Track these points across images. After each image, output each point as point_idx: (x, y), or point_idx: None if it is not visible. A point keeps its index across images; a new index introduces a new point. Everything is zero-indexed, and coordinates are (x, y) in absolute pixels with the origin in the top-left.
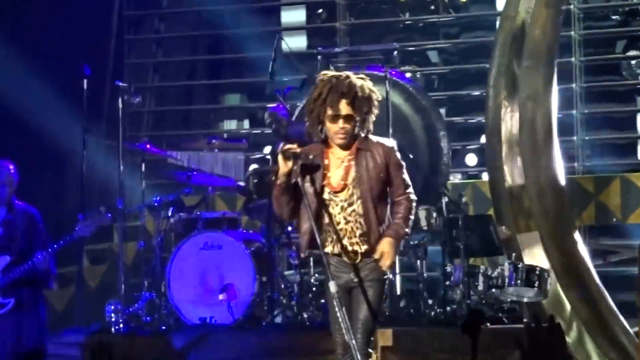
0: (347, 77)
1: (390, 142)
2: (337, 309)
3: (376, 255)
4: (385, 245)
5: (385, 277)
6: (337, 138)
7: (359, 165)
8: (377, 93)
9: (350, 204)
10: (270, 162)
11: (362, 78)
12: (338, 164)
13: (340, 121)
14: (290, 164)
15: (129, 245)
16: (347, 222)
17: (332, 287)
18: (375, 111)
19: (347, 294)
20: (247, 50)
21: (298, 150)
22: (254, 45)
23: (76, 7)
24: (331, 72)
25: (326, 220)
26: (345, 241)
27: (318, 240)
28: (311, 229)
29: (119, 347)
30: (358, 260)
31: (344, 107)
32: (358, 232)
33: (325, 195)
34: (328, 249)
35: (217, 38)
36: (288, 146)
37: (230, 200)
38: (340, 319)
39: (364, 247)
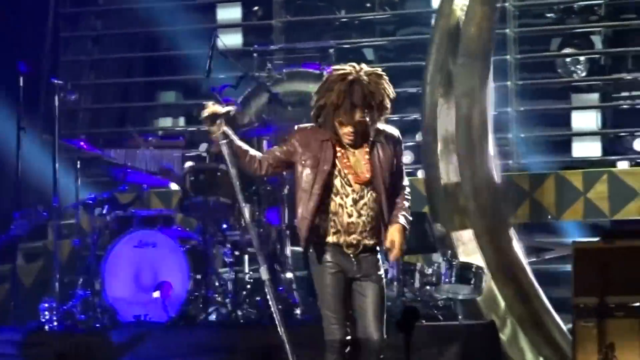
0: (360, 83)
1: (396, 131)
2: (270, 300)
3: (387, 244)
4: (396, 234)
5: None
6: (345, 138)
7: (372, 157)
8: (391, 91)
9: (361, 197)
10: (207, 159)
11: (378, 75)
12: (352, 154)
13: (350, 126)
14: (214, 127)
15: (64, 243)
16: (360, 215)
17: (264, 274)
18: (389, 109)
19: (348, 286)
20: (183, 47)
21: (219, 111)
22: (190, 43)
23: (12, 4)
24: (345, 70)
25: (332, 209)
26: (356, 235)
27: (300, 228)
28: (309, 216)
29: (53, 345)
30: (358, 252)
31: (357, 115)
32: (369, 227)
33: (338, 184)
34: (329, 239)
35: (153, 35)
36: (208, 111)
37: (166, 197)
38: (273, 311)
39: (372, 241)
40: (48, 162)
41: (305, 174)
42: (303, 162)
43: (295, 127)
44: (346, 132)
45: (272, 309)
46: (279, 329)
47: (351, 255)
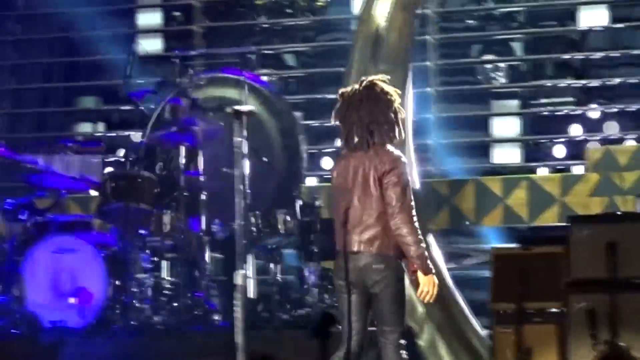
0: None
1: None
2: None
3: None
4: (424, 282)
5: None
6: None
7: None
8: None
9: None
10: (128, 165)
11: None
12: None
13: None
14: None
15: None
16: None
17: (239, 278)
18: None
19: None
20: (103, 52)
21: None
22: (110, 48)
23: None
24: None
25: None
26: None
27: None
28: None
29: None
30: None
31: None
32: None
33: None
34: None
35: (73, 41)
36: None
37: (84, 203)
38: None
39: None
40: None
41: None
42: None
43: None
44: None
45: (239, 315)
46: (237, 336)
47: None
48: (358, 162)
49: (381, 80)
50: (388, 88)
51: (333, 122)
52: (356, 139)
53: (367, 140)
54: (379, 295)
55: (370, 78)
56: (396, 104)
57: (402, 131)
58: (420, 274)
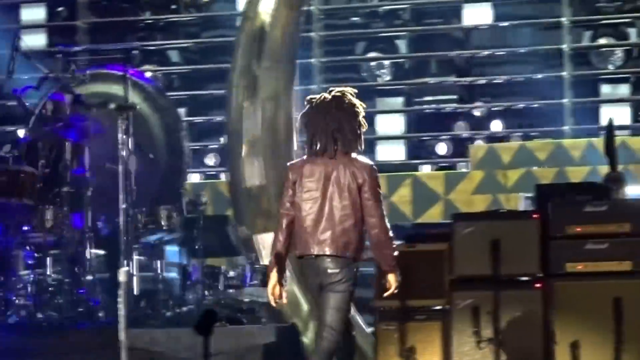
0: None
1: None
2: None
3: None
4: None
5: None
6: None
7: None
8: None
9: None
10: (10, 161)
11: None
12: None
13: None
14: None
15: None
16: None
17: (122, 276)
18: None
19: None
20: None
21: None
22: None
23: None
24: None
25: None
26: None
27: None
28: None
29: None
30: None
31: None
32: None
33: None
34: None
35: None
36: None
37: None
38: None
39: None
40: None
41: None
42: None
43: None
44: None
45: (122, 312)
46: (120, 333)
47: None
48: (330, 167)
49: (350, 92)
50: (355, 100)
51: (297, 125)
52: (319, 145)
53: (332, 147)
54: (336, 294)
55: (340, 89)
56: (361, 117)
57: (363, 143)
58: (391, 275)
